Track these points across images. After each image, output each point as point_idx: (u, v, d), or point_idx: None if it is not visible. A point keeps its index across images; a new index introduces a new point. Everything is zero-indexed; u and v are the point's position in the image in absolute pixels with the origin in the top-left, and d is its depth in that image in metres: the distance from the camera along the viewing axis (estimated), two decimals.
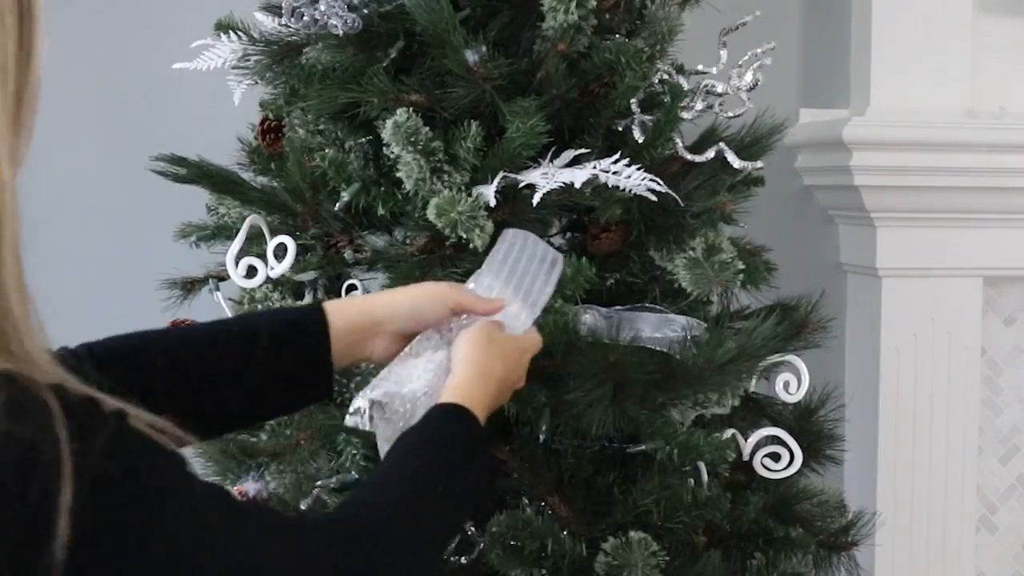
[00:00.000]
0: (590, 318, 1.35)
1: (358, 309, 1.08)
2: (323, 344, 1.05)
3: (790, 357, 1.42)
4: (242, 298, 1.49)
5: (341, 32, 1.34)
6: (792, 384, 1.43)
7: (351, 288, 1.43)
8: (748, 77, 1.40)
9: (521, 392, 1.30)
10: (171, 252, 1.63)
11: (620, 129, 1.41)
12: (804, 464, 1.47)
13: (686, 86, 1.42)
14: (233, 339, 1.03)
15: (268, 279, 1.40)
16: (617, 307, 1.40)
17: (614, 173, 1.29)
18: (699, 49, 1.46)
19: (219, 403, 1.03)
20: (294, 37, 1.41)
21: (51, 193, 2.07)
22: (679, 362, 1.31)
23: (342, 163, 1.39)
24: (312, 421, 1.42)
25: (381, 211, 1.39)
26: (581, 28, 1.32)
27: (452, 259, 1.35)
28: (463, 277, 1.27)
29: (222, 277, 1.52)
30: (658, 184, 1.28)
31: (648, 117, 1.40)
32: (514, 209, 1.32)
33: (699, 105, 1.41)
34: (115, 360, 0.99)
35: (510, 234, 1.19)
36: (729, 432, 1.40)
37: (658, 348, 1.34)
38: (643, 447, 1.36)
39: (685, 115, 1.41)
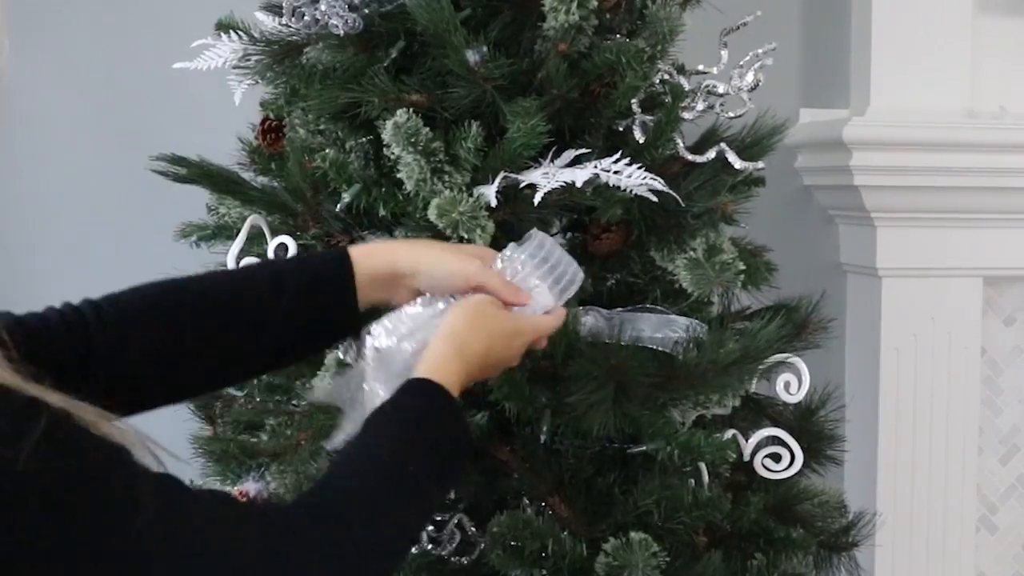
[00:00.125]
0: (591, 319, 1.35)
1: (383, 259, 1.07)
2: (349, 295, 1.05)
3: (791, 358, 1.42)
4: None
5: (342, 32, 1.34)
6: (793, 384, 1.43)
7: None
8: (749, 77, 1.40)
9: (522, 392, 1.31)
10: (171, 252, 1.63)
11: (621, 129, 1.41)
12: (805, 464, 1.47)
13: (687, 86, 1.42)
14: (258, 292, 1.03)
15: None
16: (618, 308, 1.40)
17: (615, 173, 1.28)
18: (700, 49, 1.46)
19: (244, 354, 1.03)
20: (295, 37, 1.41)
21: (51, 193, 2.07)
22: (681, 363, 1.31)
23: (343, 163, 1.39)
24: (312, 421, 1.42)
25: (382, 212, 1.39)
26: (582, 28, 1.32)
27: None
28: None
29: None
30: (659, 184, 1.28)
31: (649, 117, 1.39)
32: (515, 209, 1.32)
33: (700, 105, 1.41)
34: (131, 315, 0.99)
35: (541, 235, 1.17)
36: (730, 433, 1.40)
37: (659, 349, 1.34)
38: (644, 448, 1.36)
39: (686, 115, 1.40)
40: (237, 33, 1.47)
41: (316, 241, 1.46)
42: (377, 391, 1.05)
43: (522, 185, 1.30)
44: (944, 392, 2.12)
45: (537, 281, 1.13)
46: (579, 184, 1.28)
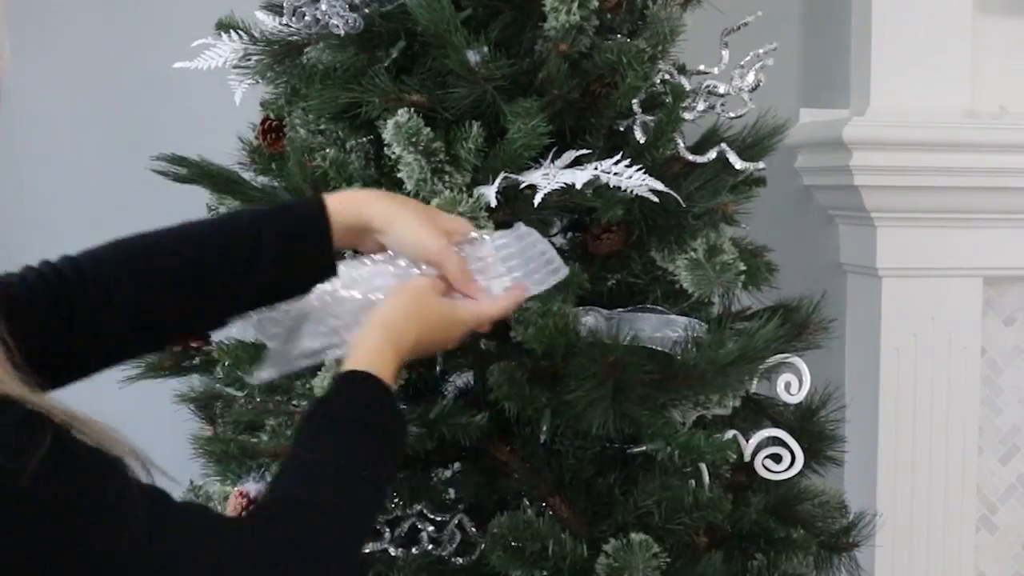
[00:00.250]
0: (591, 320, 1.35)
1: (355, 214, 1.10)
2: (326, 244, 1.09)
3: (791, 358, 1.42)
4: None
5: (342, 32, 1.34)
6: (793, 385, 1.43)
7: None
8: (750, 77, 1.40)
9: (522, 392, 1.30)
10: None
11: (622, 130, 1.41)
12: (805, 465, 1.47)
13: (688, 86, 1.42)
14: (239, 243, 1.05)
15: None
16: (619, 308, 1.40)
17: (615, 174, 1.29)
18: (701, 49, 1.46)
19: (226, 303, 1.07)
20: (295, 37, 1.41)
21: (52, 193, 2.07)
22: (680, 363, 1.31)
23: (343, 163, 1.39)
24: None
25: None
26: (583, 28, 1.32)
27: None
28: None
29: None
30: (659, 185, 1.28)
31: (650, 118, 1.39)
32: (515, 210, 1.32)
33: (701, 105, 1.41)
34: (112, 272, 1.02)
35: (525, 228, 1.19)
36: (730, 433, 1.40)
37: (659, 348, 1.34)
38: (644, 448, 1.35)
39: (687, 115, 1.41)
40: (237, 33, 1.47)
41: None
42: (320, 332, 1.12)
43: (522, 186, 1.30)
44: (944, 392, 2.12)
45: (503, 270, 1.15)
46: (579, 185, 1.28)
